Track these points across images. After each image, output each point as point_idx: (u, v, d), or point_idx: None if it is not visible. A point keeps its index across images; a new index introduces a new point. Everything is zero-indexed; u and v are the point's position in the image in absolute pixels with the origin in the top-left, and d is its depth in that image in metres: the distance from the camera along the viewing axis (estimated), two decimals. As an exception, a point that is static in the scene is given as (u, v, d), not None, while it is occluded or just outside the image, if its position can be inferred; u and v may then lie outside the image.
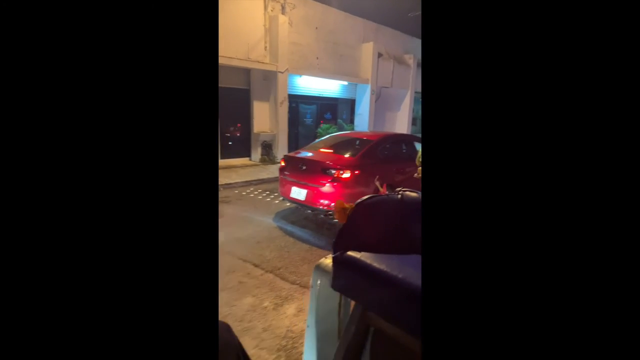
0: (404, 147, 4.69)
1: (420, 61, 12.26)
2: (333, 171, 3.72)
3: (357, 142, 4.35)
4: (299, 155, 4.24)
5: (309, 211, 4.00)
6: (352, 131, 5.94)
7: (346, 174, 3.70)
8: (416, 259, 0.67)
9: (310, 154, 4.23)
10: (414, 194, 0.87)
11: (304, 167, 4.00)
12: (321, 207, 3.77)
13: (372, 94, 10.77)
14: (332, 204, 3.71)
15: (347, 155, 4.04)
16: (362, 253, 0.76)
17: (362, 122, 11.04)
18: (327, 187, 3.72)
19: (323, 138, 4.91)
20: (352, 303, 0.87)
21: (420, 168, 1.24)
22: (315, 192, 3.80)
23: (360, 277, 0.72)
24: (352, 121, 11.25)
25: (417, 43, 12.66)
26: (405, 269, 0.67)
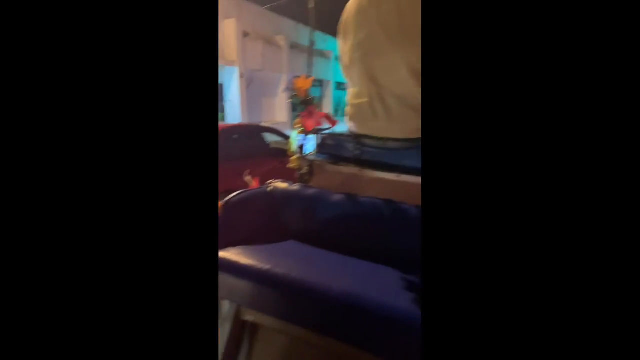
0: (251, 139, 3.90)
1: (293, 43, 11.73)
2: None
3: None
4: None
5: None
6: None
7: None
8: (288, 245, 0.71)
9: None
10: (284, 185, 0.85)
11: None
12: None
13: (241, 77, 9.72)
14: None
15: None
16: (229, 251, 0.70)
17: (234, 110, 9.93)
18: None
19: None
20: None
21: (293, 158, 0.78)
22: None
23: (227, 276, 0.67)
24: (222, 109, 10.03)
25: (288, 24, 12.02)
26: (273, 258, 0.66)
